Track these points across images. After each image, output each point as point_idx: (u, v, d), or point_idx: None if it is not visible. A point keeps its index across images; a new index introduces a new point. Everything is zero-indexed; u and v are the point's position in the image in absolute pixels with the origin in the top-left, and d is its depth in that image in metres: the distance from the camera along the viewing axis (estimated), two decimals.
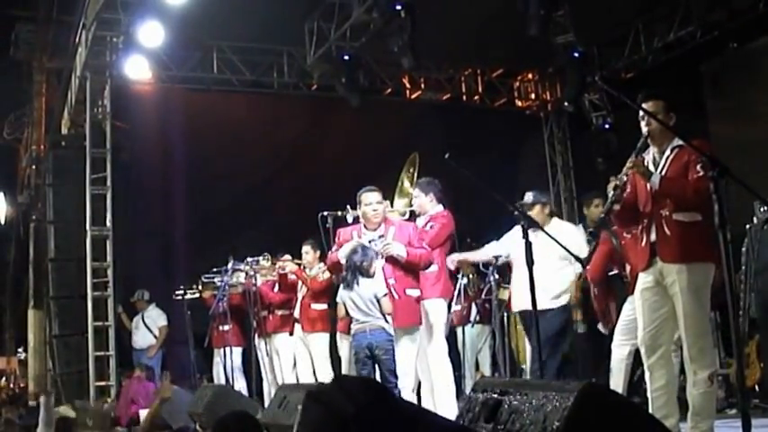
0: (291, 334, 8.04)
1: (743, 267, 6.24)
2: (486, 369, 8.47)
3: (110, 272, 9.14)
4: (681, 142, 4.11)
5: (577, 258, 5.70)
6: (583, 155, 11.42)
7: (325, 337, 7.68)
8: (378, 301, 5.25)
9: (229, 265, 8.03)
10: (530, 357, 6.59)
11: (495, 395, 3.13)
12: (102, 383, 8.98)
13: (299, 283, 7.85)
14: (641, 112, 4.18)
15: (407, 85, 11.45)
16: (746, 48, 9.55)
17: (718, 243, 3.26)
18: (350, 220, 6.13)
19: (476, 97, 11.71)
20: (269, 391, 8.16)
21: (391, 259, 5.45)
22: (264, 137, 10.71)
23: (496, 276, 6.62)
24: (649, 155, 4.32)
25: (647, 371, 4.28)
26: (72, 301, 9.53)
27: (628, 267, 5.24)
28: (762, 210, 6.14)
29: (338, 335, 7.29)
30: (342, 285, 5.48)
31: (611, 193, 4.25)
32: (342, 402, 2.27)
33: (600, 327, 6.25)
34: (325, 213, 6.29)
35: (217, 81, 10.50)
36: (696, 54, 9.85)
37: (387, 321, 5.25)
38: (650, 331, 4.24)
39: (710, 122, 9.66)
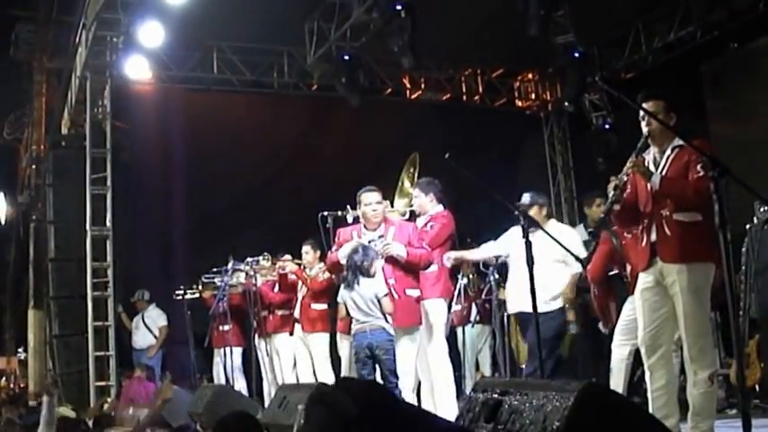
0: (291, 334, 8.04)
1: (743, 267, 6.23)
2: (486, 369, 8.47)
3: (110, 272, 9.14)
4: (681, 142, 4.11)
5: (577, 258, 5.70)
6: (583, 155, 11.41)
7: (326, 337, 7.68)
8: (378, 300, 5.24)
9: (229, 265, 8.03)
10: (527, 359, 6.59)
11: (496, 395, 3.13)
12: (102, 383, 8.97)
13: (299, 283, 7.85)
14: (641, 112, 4.18)
15: (407, 85, 11.45)
16: (746, 48, 9.55)
17: (718, 243, 3.26)
18: (350, 220, 6.13)
19: (476, 97, 11.71)
20: (269, 391, 8.16)
21: (391, 259, 5.45)
22: (264, 137, 10.70)
23: (497, 276, 6.62)
24: (650, 155, 4.32)
25: (647, 371, 4.28)
26: (72, 301, 9.53)
27: (628, 267, 5.24)
28: (762, 210, 6.12)
29: (338, 335, 7.30)
30: (342, 285, 5.48)
31: (611, 193, 4.25)
32: (345, 404, 2.29)
33: (600, 326, 6.25)
34: (326, 213, 6.29)
35: (217, 81, 10.49)
36: (696, 54, 9.85)
37: (387, 321, 5.25)
38: (650, 331, 4.24)
39: (710, 122, 9.66)
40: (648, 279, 4.25)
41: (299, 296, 7.91)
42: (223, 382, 8.25)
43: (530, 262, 4.24)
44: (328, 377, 7.54)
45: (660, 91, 4.30)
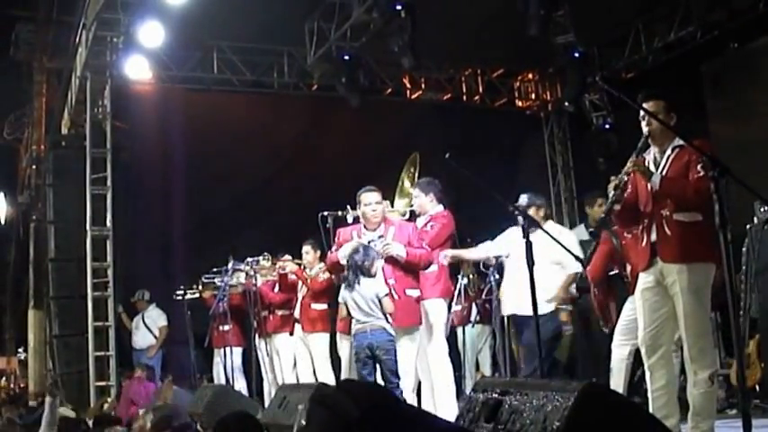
0: (292, 334, 8.04)
1: (743, 267, 6.24)
2: (486, 369, 8.46)
3: (110, 272, 9.14)
4: (681, 142, 4.11)
5: (577, 258, 5.69)
6: (583, 155, 11.41)
7: (326, 337, 7.68)
8: (379, 300, 5.24)
9: (229, 266, 8.03)
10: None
11: (496, 395, 3.14)
12: (102, 383, 8.98)
13: (299, 283, 7.85)
14: (642, 112, 4.17)
15: (408, 85, 11.45)
16: (746, 48, 9.55)
17: (718, 243, 3.26)
18: (350, 220, 6.13)
19: (476, 97, 11.71)
20: (269, 391, 8.17)
21: (391, 259, 5.45)
22: (264, 137, 10.70)
23: (497, 276, 6.62)
24: (650, 155, 4.32)
25: (647, 371, 4.28)
26: (72, 301, 9.53)
27: (628, 267, 5.24)
28: (762, 210, 6.13)
29: (338, 335, 7.29)
30: (343, 285, 5.48)
31: (611, 193, 4.25)
32: (346, 406, 2.29)
33: (601, 326, 6.24)
34: (326, 213, 6.30)
35: (217, 81, 10.49)
36: (696, 54, 9.85)
37: (388, 321, 5.25)
38: (651, 331, 4.24)
39: (710, 122, 9.66)
40: (649, 279, 4.25)
41: (299, 296, 7.90)
42: (223, 382, 8.25)
43: (530, 262, 4.24)
44: (328, 377, 7.53)
45: (660, 91, 4.30)
